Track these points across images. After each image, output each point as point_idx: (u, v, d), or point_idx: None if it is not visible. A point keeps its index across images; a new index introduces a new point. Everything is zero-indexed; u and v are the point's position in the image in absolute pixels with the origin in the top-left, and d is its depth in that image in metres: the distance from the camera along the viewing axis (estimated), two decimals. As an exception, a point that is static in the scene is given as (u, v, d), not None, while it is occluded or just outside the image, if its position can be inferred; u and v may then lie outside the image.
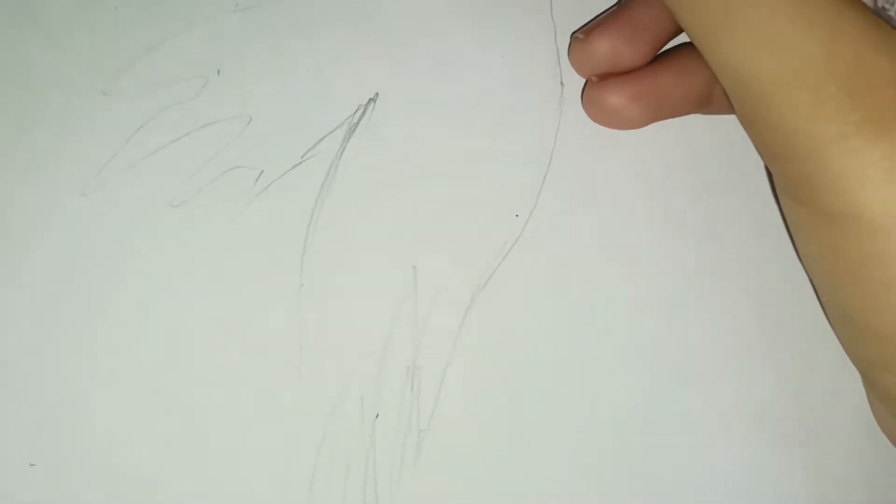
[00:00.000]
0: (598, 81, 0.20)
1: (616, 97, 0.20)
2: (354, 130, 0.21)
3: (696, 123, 0.22)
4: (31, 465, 0.19)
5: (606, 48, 0.20)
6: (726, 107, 0.21)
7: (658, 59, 0.21)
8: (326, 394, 0.20)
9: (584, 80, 0.21)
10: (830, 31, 0.16)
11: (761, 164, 0.22)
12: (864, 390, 0.21)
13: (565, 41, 0.21)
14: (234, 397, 0.20)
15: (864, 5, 0.17)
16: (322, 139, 0.21)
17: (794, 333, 0.21)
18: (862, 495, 0.21)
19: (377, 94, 0.21)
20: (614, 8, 0.21)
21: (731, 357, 0.21)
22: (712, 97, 0.21)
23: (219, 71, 0.21)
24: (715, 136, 0.22)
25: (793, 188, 0.17)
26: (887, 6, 0.22)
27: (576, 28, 0.21)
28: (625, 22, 0.20)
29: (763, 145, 0.18)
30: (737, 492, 0.20)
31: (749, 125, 0.18)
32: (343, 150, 0.21)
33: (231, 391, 0.20)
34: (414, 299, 0.20)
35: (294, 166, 0.20)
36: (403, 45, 0.21)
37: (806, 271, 0.20)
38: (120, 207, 0.20)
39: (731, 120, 0.22)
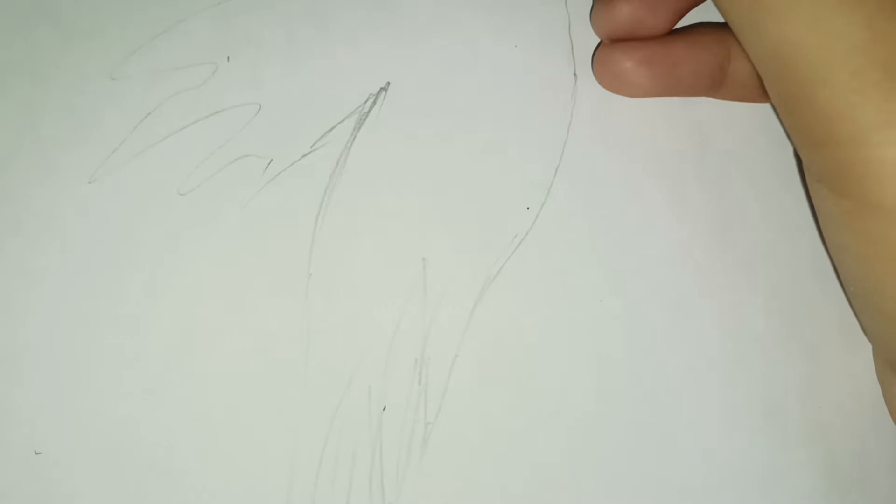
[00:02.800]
0: (610, 44, 0.20)
1: (627, 60, 0.20)
2: (365, 120, 0.20)
3: (708, 117, 0.22)
4: (36, 452, 0.19)
5: (628, 12, 0.20)
6: (738, 92, 0.21)
7: (673, 31, 0.21)
8: (334, 385, 0.20)
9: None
10: (875, 13, 0.15)
11: (774, 156, 0.22)
12: (874, 386, 0.21)
13: (579, 33, 0.21)
14: (241, 387, 0.19)
15: None
16: (332, 128, 0.20)
17: (806, 328, 0.21)
18: (874, 492, 0.21)
19: (388, 83, 0.21)
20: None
21: (742, 352, 0.21)
22: (724, 79, 0.21)
23: (228, 58, 0.20)
24: (727, 130, 0.22)
25: (829, 177, 0.17)
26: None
27: (589, 18, 0.21)
28: None
29: (800, 131, 0.17)
30: (747, 488, 0.20)
31: (786, 110, 0.17)
32: (353, 139, 0.20)
33: (238, 381, 0.19)
34: (423, 291, 0.20)
35: (304, 155, 0.20)
36: (416, 34, 0.21)
37: (833, 260, 0.20)
38: (127, 195, 0.20)
39: (743, 113, 0.22)
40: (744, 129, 0.22)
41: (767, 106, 0.22)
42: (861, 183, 0.16)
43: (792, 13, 0.16)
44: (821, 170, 0.17)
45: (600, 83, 0.21)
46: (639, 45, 0.20)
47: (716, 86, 0.21)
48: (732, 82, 0.21)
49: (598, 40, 0.21)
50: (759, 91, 0.21)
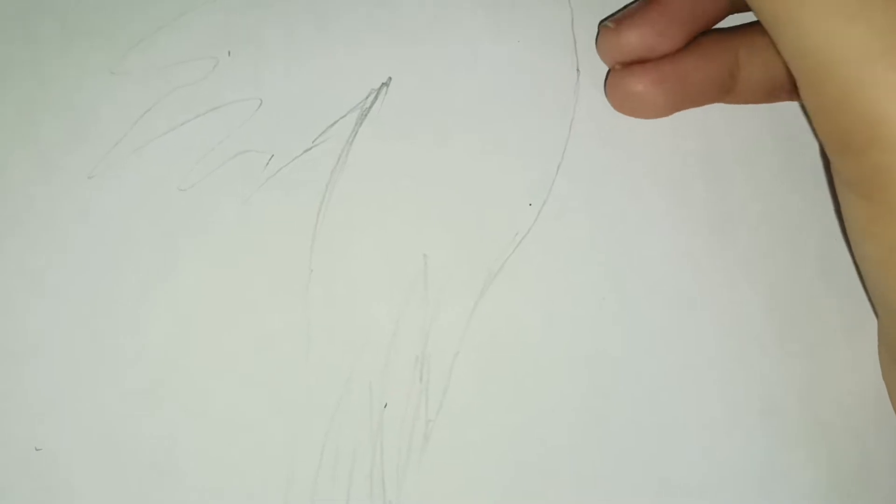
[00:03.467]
0: (621, 69, 0.20)
1: (639, 84, 0.20)
2: (366, 116, 0.20)
3: (711, 116, 0.22)
4: (36, 449, 0.19)
5: (637, 39, 0.19)
6: (748, 96, 0.21)
7: None
8: (334, 382, 0.20)
9: (600, 68, 0.21)
10: None
11: (776, 155, 0.22)
12: (875, 384, 0.21)
13: (582, 29, 0.21)
14: (241, 384, 0.19)
15: None
16: (333, 124, 0.20)
17: (806, 327, 0.21)
18: (875, 491, 0.21)
19: (390, 79, 0.21)
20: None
21: (742, 351, 0.21)
22: (735, 84, 0.20)
23: (229, 52, 0.20)
24: (730, 129, 0.22)
25: (863, 182, 0.16)
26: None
27: (593, 14, 0.21)
28: (658, 13, 0.19)
29: (836, 135, 0.17)
30: (748, 487, 0.20)
31: (822, 113, 0.17)
32: (354, 135, 0.20)
33: (238, 377, 0.19)
34: (424, 288, 0.20)
35: (305, 151, 0.20)
36: (418, 29, 0.21)
37: (858, 268, 0.20)
38: (127, 190, 0.20)
39: (746, 112, 0.22)
40: (747, 128, 0.22)
41: (770, 105, 0.22)
42: None
43: (833, 7, 0.15)
44: (854, 175, 0.17)
45: (615, 108, 0.21)
46: (648, 66, 0.20)
47: (726, 92, 0.21)
48: (743, 88, 0.20)
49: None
50: (768, 94, 0.21)
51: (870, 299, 0.21)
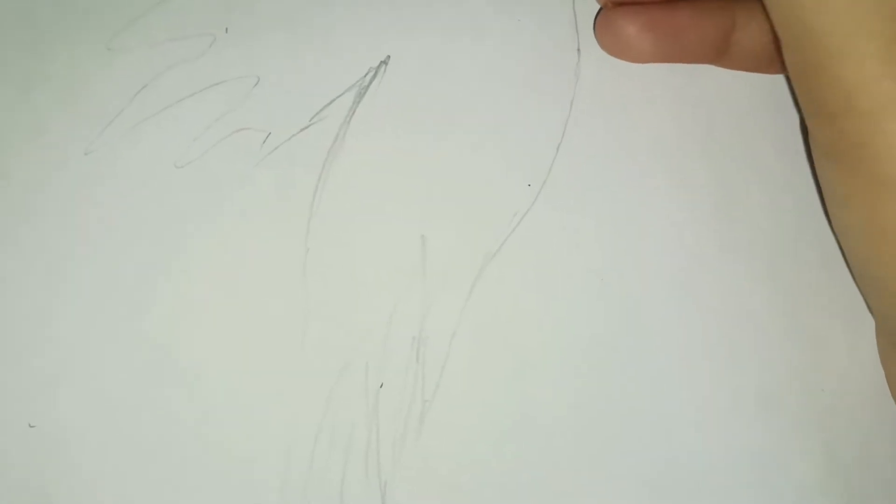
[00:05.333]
0: (613, 8, 0.20)
1: (630, 25, 0.20)
2: (365, 94, 0.20)
3: (713, 95, 0.21)
4: (30, 426, 0.19)
5: None
6: (742, 61, 0.21)
7: None
8: (331, 362, 0.19)
9: (602, 53, 0.21)
10: None
11: (779, 137, 0.21)
12: (876, 370, 0.21)
13: (583, 7, 0.21)
14: (238, 363, 0.19)
15: None
16: (331, 102, 0.20)
17: (807, 312, 0.21)
18: (876, 477, 0.20)
19: (389, 56, 0.20)
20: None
21: (742, 335, 0.21)
22: (728, 48, 0.20)
23: (227, 29, 0.20)
24: (732, 108, 0.21)
25: (839, 151, 0.17)
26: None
27: (594, -4, 0.21)
28: None
29: (816, 101, 0.17)
30: (748, 475, 0.20)
31: (803, 77, 0.17)
32: (353, 113, 0.20)
33: (234, 357, 0.19)
34: (422, 268, 0.20)
35: (302, 129, 0.20)
36: (417, 7, 0.21)
37: (837, 239, 0.20)
38: (124, 167, 0.20)
39: (749, 93, 0.21)
40: (749, 108, 0.21)
41: (773, 85, 0.22)
42: (875, 158, 0.16)
43: None
44: (831, 144, 0.17)
45: (602, 48, 0.21)
46: (642, 9, 0.20)
47: (719, 54, 0.21)
48: (736, 51, 0.20)
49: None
50: (763, 61, 0.21)
51: (853, 277, 0.20)
